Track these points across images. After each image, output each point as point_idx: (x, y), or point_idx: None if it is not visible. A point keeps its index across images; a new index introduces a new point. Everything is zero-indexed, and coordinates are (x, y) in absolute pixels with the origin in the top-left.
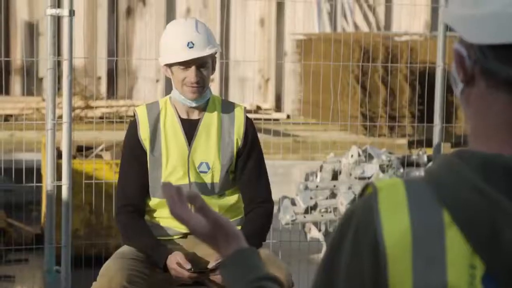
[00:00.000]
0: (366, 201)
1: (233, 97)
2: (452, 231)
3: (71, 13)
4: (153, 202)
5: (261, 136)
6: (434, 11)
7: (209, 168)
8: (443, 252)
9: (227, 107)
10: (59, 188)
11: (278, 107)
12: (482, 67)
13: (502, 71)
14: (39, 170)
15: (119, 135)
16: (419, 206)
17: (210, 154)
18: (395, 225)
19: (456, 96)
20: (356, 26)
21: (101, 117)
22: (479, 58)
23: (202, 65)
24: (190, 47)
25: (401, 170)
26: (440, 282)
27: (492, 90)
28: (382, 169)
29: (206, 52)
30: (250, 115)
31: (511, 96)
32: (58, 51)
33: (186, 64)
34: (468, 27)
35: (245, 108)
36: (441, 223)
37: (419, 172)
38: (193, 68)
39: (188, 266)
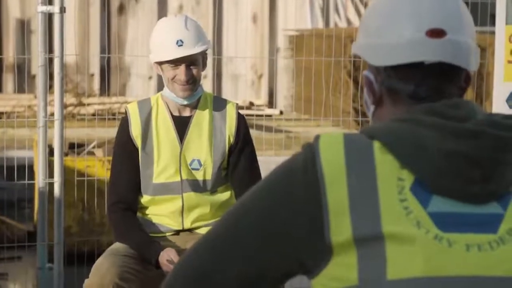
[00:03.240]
0: (308, 144)
1: (226, 93)
2: (380, 154)
3: (62, 10)
4: (144, 199)
5: (253, 132)
6: None
7: (201, 165)
8: (373, 171)
9: (219, 104)
10: (51, 185)
11: (270, 103)
12: (387, 87)
13: (404, 88)
14: (31, 168)
15: (111, 132)
16: (352, 142)
17: (202, 151)
18: (331, 153)
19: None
20: (348, 21)
21: (93, 114)
22: (384, 79)
23: (192, 63)
24: (179, 45)
25: None
26: (372, 194)
27: (396, 106)
28: None
29: (196, 50)
30: (242, 111)
31: (409, 107)
32: (49, 48)
33: (175, 62)
34: (373, 54)
35: (237, 104)
36: (370, 148)
37: None
38: (182, 66)
39: None
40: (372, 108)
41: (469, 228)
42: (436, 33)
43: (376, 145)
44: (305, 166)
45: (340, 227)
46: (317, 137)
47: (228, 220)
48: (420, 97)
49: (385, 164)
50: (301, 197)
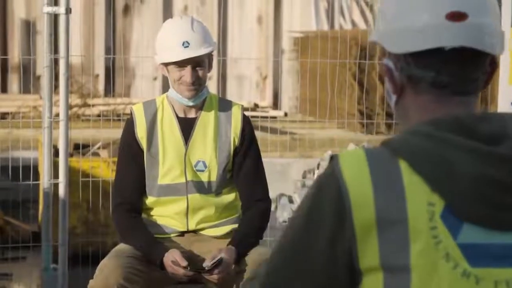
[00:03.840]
0: (329, 166)
1: (230, 94)
2: (409, 175)
3: (68, 10)
4: (149, 200)
5: (258, 134)
6: None
7: (206, 167)
8: (402, 194)
9: (224, 105)
10: (56, 186)
11: (275, 105)
12: (407, 75)
13: (425, 76)
14: (36, 168)
15: (116, 133)
16: (376, 160)
17: (207, 152)
18: (355, 174)
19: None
20: (353, 23)
21: (98, 115)
22: (404, 67)
23: (198, 64)
24: (185, 47)
25: None
26: (401, 219)
27: (418, 95)
28: None
29: (202, 51)
30: (247, 113)
31: (432, 96)
32: (55, 49)
33: (181, 64)
34: (391, 40)
35: (242, 106)
36: (397, 170)
37: None
38: (188, 67)
39: (185, 263)
40: (394, 97)
41: (499, 261)
42: (457, 16)
43: (403, 165)
44: (329, 191)
45: (368, 252)
46: (336, 159)
47: (267, 265)
48: (443, 85)
49: (414, 186)
50: (330, 225)
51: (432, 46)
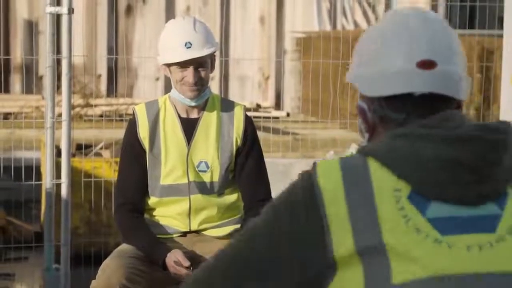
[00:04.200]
0: (307, 171)
1: (233, 95)
2: (376, 170)
3: (70, 10)
4: (152, 200)
5: (260, 134)
6: (433, 9)
7: (208, 167)
8: (369, 184)
9: (227, 105)
10: (58, 186)
11: (277, 105)
12: (380, 116)
13: (396, 117)
14: (38, 168)
15: (118, 133)
16: (348, 165)
17: (209, 153)
18: (328, 175)
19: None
20: (356, 24)
21: (100, 115)
22: (377, 109)
23: (200, 64)
24: (187, 47)
25: None
26: (370, 207)
27: (388, 132)
28: None
29: (204, 52)
30: (249, 113)
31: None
32: (57, 49)
33: (184, 64)
34: (365, 84)
35: (244, 106)
36: (366, 165)
37: None
38: (191, 68)
39: (187, 263)
40: (367, 136)
41: (468, 229)
42: (427, 64)
43: (371, 161)
44: (304, 192)
45: (342, 242)
46: (314, 165)
47: (234, 250)
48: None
49: (381, 178)
50: (303, 224)
51: (404, 91)
